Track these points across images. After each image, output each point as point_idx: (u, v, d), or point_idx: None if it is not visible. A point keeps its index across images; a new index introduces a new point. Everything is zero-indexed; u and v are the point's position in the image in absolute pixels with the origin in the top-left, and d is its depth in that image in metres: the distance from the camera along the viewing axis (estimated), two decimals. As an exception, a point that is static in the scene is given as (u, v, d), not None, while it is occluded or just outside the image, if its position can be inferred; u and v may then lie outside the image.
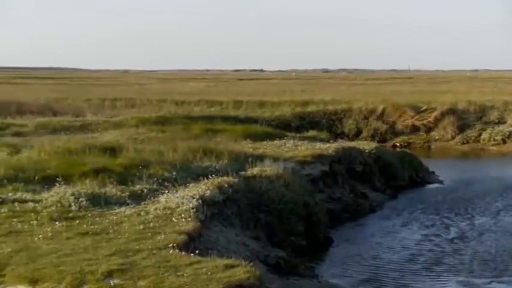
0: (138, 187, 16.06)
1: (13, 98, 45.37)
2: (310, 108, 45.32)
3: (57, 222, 12.84)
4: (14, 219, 13.08)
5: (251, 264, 10.77)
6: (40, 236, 11.90)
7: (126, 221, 12.99)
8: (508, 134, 42.60)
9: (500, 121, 44.19)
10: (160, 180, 16.82)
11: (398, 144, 42.63)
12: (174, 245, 11.28)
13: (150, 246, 11.19)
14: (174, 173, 17.69)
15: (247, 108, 45.77)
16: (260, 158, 20.65)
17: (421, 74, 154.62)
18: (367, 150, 27.45)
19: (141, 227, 12.55)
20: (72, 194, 14.65)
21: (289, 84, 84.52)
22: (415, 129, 44.82)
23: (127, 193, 15.47)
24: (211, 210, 14.87)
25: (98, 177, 16.47)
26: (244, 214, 16.85)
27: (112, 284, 9.49)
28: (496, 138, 42.53)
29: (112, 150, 20.08)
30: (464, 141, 43.22)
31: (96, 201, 14.64)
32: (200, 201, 14.51)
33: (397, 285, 15.54)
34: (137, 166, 17.94)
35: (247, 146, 25.07)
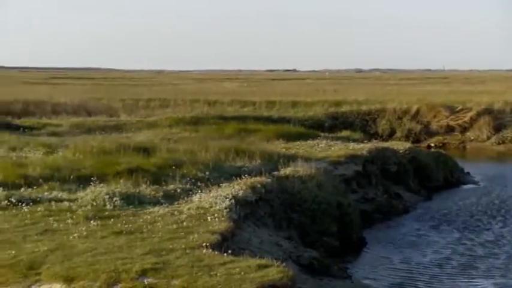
0: (171, 187, 16.13)
1: (49, 98, 45.94)
2: (344, 108, 45.13)
3: (92, 221, 12.96)
4: (50, 218, 13.24)
5: (284, 264, 10.75)
6: (75, 234, 12.02)
7: (160, 221, 13.06)
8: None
9: (537, 121, 43.51)
10: (193, 180, 16.88)
11: (432, 145, 42.22)
12: (207, 244, 11.31)
13: (183, 246, 11.23)
14: (207, 173, 17.74)
15: (280, 108, 45.72)
16: (293, 158, 20.62)
17: (456, 74, 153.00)
18: (401, 151, 27.25)
19: (175, 226, 12.60)
20: (107, 194, 14.78)
21: (322, 84, 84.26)
22: (450, 129, 44.35)
23: (160, 193, 15.56)
24: (244, 210, 14.89)
25: (132, 177, 16.58)
26: (277, 214, 16.84)
27: (146, 283, 9.55)
28: (532, 138, 41.91)
29: (146, 150, 20.21)
30: (500, 142, 42.62)
31: (130, 200, 14.75)
32: (233, 201, 14.53)
33: (430, 288, 15.40)
34: (170, 166, 18.02)
35: (280, 146, 25.04)
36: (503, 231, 20.55)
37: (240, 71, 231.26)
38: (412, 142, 37.37)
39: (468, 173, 30.72)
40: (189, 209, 13.97)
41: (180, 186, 16.24)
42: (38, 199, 14.74)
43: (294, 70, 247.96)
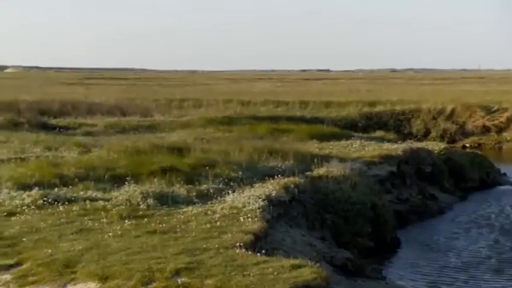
0: (204, 187, 16.16)
1: (84, 98, 46.44)
2: (378, 109, 44.85)
3: (126, 221, 13.03)
4: (85, 217, 13.35)
5: (318, 264, 10.69)
6: (110, 234, 12.10)
7: (193, 220, 13.08)
8: None
9: None
10: (226, 180, 16.89)
11: (468, 145, 41.73)
12: (241, 244, 11.29)
13: (216, 246, 11.23)
14: (240, 173, 17.73)
15: (314, 108, 45.59)
16: (326, 159, 20.53)
17: (492, 74, 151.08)
18: (436, 151, 26.99)
19: (208, 226, 12.62)
20: (141, 193, 14.85)
21: (355, 84, 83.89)
22: (485, 129, 43.78)
23: (194, 192, 15.59)
24: (278, 211, 14.85)
25: (165, 177, 16.64)
26: (310, 214, 16.78)
27: (180, 282, 9.56)
28: None
29: (179, 150, 20.28)
30: (537, 142, 41.94)
31: (164, 200, 14.80)
32: (266, 201, 14.51)
33: (465, 289, 15.21)
34: (204, 166, 18.06)
35: (313, 146, 24.96)
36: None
37: (273, 71, 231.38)
38: (447, 142, 37.04)
39: (504, 174, 30.27)
40: (222, 208, 13.98)
41: (213, 186, 16.25)
42: (73, 198, 14.86)
43: (328, 70, 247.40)
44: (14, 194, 15.17)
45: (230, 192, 15.46)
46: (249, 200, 14.44)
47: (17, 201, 14.57)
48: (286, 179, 16.77)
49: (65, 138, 26.52)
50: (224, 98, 50.17)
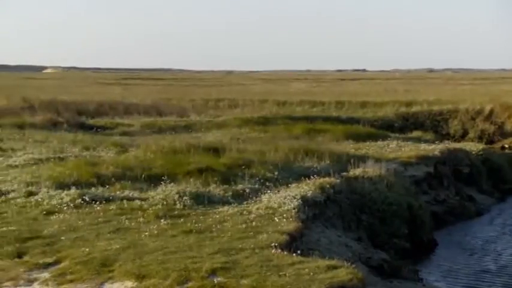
0: (240, 187, 16.18)
1: (121, 99, 46.84)
2: (414, 109, 44.37)
3: (162, 220, 13.11)
4: (122, 217, 13.47)
5: (353, 265, 10.65)
6: (146, 233, 12.19)
7: (229, 220, 13.12)
8: None
9: None
10: (262, 180, 16.89)
11: (507, 146, 41.08)
12: (276, 244, 11.29)
13: (252, 245, 11.25)
14: (276, 173, 17.73)
15: (349, 108, 45.33)
16: (362, 159, 20.41)
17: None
18: (474, 152, 26.69)
19: (244, 226, 12.64)
20: (177, 193, 14.94)
21: (392, 84, 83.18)
22: (525, 130, 43.03)
23: (230, 192, 15.63)
24: (313, 211, 14.82)
25: (201, 177, 16.72)
26: (346, 215, 16.71)
27: (215, 282, 9.59)
28: None
29: (215, 150, 20.35)
30: None
31: (200, 200, 14.85)
32: (302, 201, 14.49)
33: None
34: (239, 166, 18.09)
35: (349, 147, 24.87)
36: None
37: (309, 71, 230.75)
38: (485, 143, 36.54)
39: (544, 176, 29.74)
40: (257, 208, 14.00)
41: (249, 186, 16.28)
42: (111, 198, 15.01)
43: (364, 70, 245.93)
44: (52, 193, 15.38)
45: (266, 192, 15.48)
46: (284, 200, 14.44)
47: (56, 200, 14.77)
48: (321, 179, 16.72)
49: (102, 138, 26.81)
50: (260, 98, 50.16)
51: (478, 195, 24.82)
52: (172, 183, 16.01)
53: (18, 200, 15.06)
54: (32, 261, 10.93)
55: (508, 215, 22.81)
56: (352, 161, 19.74)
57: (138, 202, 14.57)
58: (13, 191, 15.67)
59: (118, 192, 15.47)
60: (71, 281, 10.03)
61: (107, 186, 16.07)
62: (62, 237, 12.05)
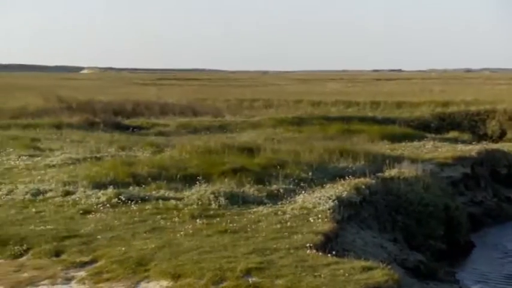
0: (274, 187, 16.17)
1: (157, 99, 47.13)
2: (451, 109, 43.88)
3: (197, 220, 13.16)
4: (158, 216, 13.55)
5: (389, 266, 10.56)
6: (182, 232, 12.25)
7: (264, 220, 13.12)
8: None
9: None
10: (296, 181, 16.86)
11: (545, 147, 40.42)
12: (311, 245, 11.26)
13: (287, 246, 11.23)
14: (310, 174, 17.68)
15: (385, 108, 45.00)
16: (398, 160, 20.25)
17: None
18: (512, 153, 26.28)
19: (278, 226, 12.63)
20: (212, 193, 14.98)
21: (428, 84, 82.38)
22: None
23: (264, 193, 15.63)
24: (348, 211, 14.75)
25: (236, 177, 16.73)
26: (382, 216, 16.60)
27: (250, 282, 9.60)
28: None
29: (250, 150, 20.37)
30: None
31: (235, 200, 14.87)
32: (337, 202, 14.42)
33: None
34: (274, 166, 18.06)
35: (384, 147, 24.70)
36: None
37: (345, 71, 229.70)
38: (524, 144, 35.94)
39: None
40: (292, 209, 13.97)
41: (284, 186, 16.25)
42: (146, 197, 15.10)
43: (400, 70, 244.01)
44: (89, 192, 15.55)
45: (300, 192, 15.45)
46: (319, 200, 14.39)
47: (93, 200, 14.92)
48: (357, 180, 16.63)
49: (138, 138, 27.04)
50: (295, 99, 50.09)
51: (517, 197, 24.46)
52: (207, 183, 16.06)
53: (56, 199, 15.25)
54: (69, 259, 11.07)
55: (547, 216, 22.43)
56: (387, 161, 19.59)
57: (173, 202, 14.64)
58: (51, 190, 15.85)
59: (153, 192, 15.56)
60: (107, 280, 10.13)
61: (143, 186, 16.18)
62: (99, 236, 12.17)
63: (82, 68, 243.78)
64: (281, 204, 14.62)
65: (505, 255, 17.97)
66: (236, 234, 12.13)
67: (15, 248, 11.68)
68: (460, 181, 22.27)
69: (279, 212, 13.75)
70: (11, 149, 22.53)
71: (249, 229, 12.48)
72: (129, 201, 14.69)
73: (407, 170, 18.80)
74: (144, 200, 14.91)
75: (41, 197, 15.46)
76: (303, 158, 19.59)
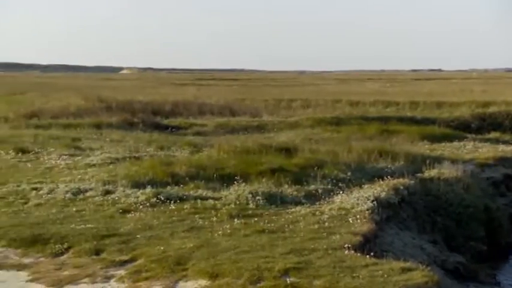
0: (312, 187, 16.13)
1: (195, 99, 47.36)
2: (492, 109, 43.24)
3: (235, 220, 13.19)
4: (196, 216, 13.61)
5: (429, 268, 10.45)
6: (219, 232, 12.28)
7: (302, 220, 13.10)
8: None
9: None
10: (334, 181, 16.79)
11: None
12: (349, 245, 11.20)
13: (325, 246, 11.19)
14: (349, 174, 17.59)
15: (424, 108, 44.53)
16: (438, 160, 20.03)
17: None
18: (555, 153, 25.75)
19: (316, 226, 12.59)
20: (250, 193, 15.01)
21: (469, 84, 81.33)
22: None
23: (302, 193, 15.60)
24: (387, 212, 14.64)
25: (274, 177, 16.72)
26: (421, 217, 16.44)
27: (288, 282, 9.58)
28: None
29: (287, 150, 20.34)
30: None
31: (273, 200, 14.87)
32: (375, 202, 14.32)
33: None
34: (312, 166, 18.00)
35: (424, 148, 24.46)
36: None
37: (383, 71, 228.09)
38: None
39: None
40: (330, 209, 13.92)
41: (322, 186, 16.20)
42: (184, 197, 15.18)
43: (439, 70, 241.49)
44: (128, 191, 15.69)
45: (338, 193, 15.39)
46: (357, 201, 14.31)
47: (132, 199, 15.06)
48: (395, 180, 16.50)
49: (176, 138, 27.21)
50: (333, 99, 49.85)
51: (560, 198, 23.98)
52: (244, 183, 16.08)
53: (96, 198, 15.43)
54: (108, 258, 11.18)
55: None
56: (427, 162, 19.39)
57: (211, 201, 14.70)
58: (91, 189, 16.05)
59: (192, 192, 15.63)
60: (146, 279, 10.21)
61: (181, 186, 16.27)
62: (138, 236, 12.28)
63: (121, 68, 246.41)
64: (319, 204, 14.58)
65: (547, 257, 17.65)
66: (274, 234, 12.13)
67: (56, 246, 11.85)
68: (501, 182, 21.92)
69: (317, 213, 13.71)
70: (52, 149, 22.87)
71: (286, 229, 12.47)
72: (168, 201, 14.79)
73: (447, 171, 18.58)
74: (182, 199, 14.99)
75: (81, 196, 15.66)
76: (341, 158, 19.50)
